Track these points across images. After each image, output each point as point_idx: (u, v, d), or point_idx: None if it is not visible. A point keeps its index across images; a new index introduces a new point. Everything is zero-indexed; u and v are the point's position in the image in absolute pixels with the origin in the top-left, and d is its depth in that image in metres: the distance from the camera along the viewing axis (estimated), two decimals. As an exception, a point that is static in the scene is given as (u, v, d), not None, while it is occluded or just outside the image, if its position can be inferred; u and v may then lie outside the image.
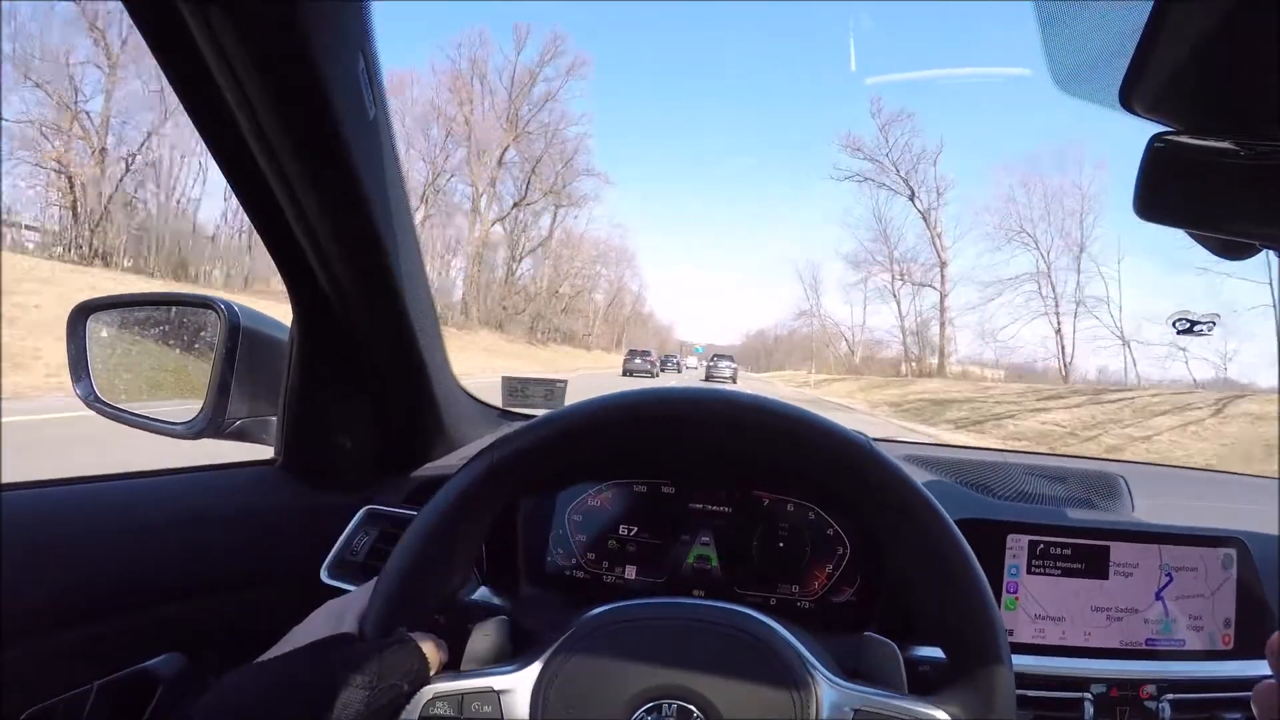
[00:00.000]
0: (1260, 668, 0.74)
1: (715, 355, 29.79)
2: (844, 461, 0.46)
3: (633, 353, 23.89)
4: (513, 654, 0.48)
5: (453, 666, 0.46)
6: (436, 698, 0.43)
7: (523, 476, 0.48)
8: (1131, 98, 0.45)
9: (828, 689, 0.43)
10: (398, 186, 0.58)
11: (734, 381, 22.22)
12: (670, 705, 0.42)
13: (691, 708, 0.42)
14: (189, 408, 0.73)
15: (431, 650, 0.44)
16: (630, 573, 0.68)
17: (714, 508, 0.68)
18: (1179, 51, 0.35)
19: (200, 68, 0.45)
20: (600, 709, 0.42)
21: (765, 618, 0.46)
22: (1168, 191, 0.49)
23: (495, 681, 0.44)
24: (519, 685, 0.43)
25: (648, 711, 0.42)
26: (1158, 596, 0.73)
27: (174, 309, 0.78)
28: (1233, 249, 0.57)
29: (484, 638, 0.48)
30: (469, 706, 0.43)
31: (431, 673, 0.44)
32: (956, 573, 0.44)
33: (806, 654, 0.44)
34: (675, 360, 34.27)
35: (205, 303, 0.74)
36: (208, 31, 0.42)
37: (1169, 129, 0.46)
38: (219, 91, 0.46)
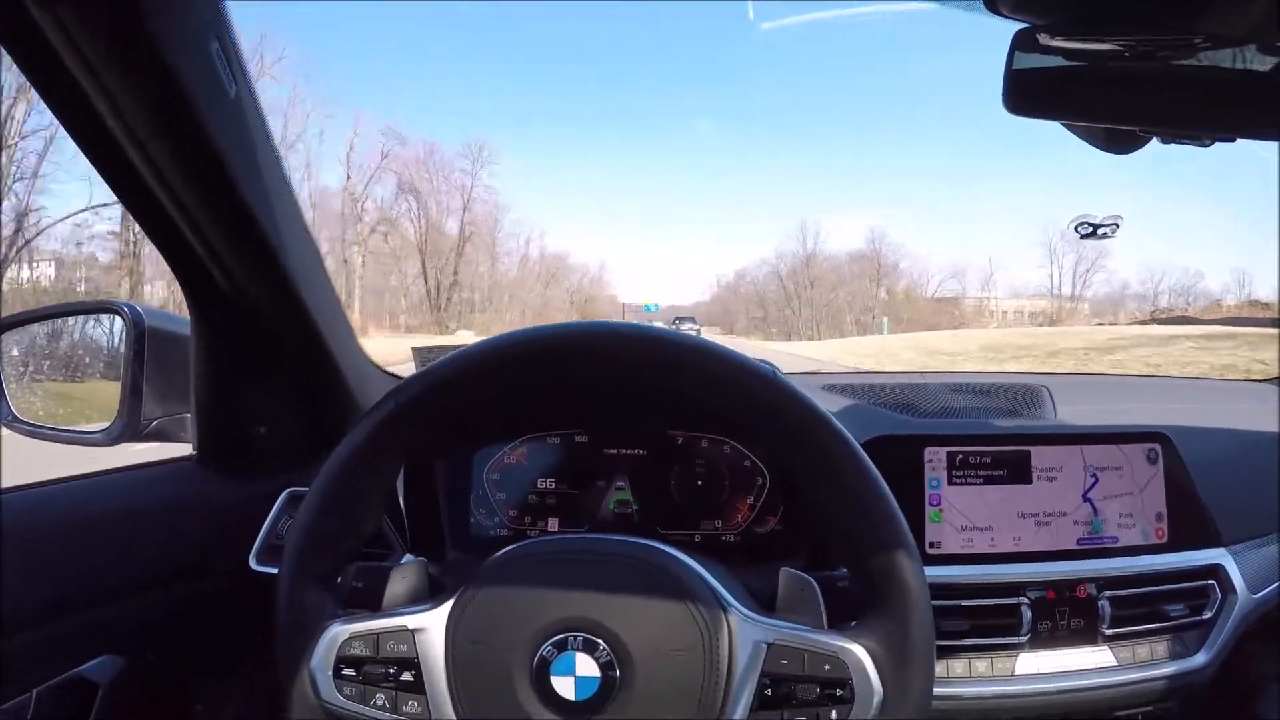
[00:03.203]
0: (1196, 558, 0.75)
1: (677, 318, 26.71)
2: (749, 391, 0.46)
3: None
4: (429, 595, 0.48)
5: (373, 607, 0.46)
6: (354, 638, 0.44)
7: (426, 421, 0.48)
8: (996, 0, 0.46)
9: (741, 622, 0.43)
10: (272, 162, 0.58)
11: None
12: (576, 638, 0.42)
13: (598, 640, 0.42)
14: (107, 416, 0.73)
15: None
16: (553, 525, 0.69)
17: (628, 451, 0.69)
18: None
19: (55, 61, 0.45)
20: (507, 643, 0.43)
21: (673, 550, 0.46)
22: (1034, 86, 0.50)
23: (410, 620, 0.44)
24: (432, 624, 0.44)
25: (555, 645, 0.42)
26: (1085, 498, 0.74)
27: (79, 319, 0.78)
28: (1116, 139, 0.58)
29: (402, 580, 0.48)
30: (385, 645, 0.44)
31: None
32: (859, 493, 0.44)
33: (718, 586, 0.44)
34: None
35: (108, 308, 0.73)
36: (57, 26, 0.42)
37: (1032, 24, 0.47)
38: (75, 82, 0.46)
